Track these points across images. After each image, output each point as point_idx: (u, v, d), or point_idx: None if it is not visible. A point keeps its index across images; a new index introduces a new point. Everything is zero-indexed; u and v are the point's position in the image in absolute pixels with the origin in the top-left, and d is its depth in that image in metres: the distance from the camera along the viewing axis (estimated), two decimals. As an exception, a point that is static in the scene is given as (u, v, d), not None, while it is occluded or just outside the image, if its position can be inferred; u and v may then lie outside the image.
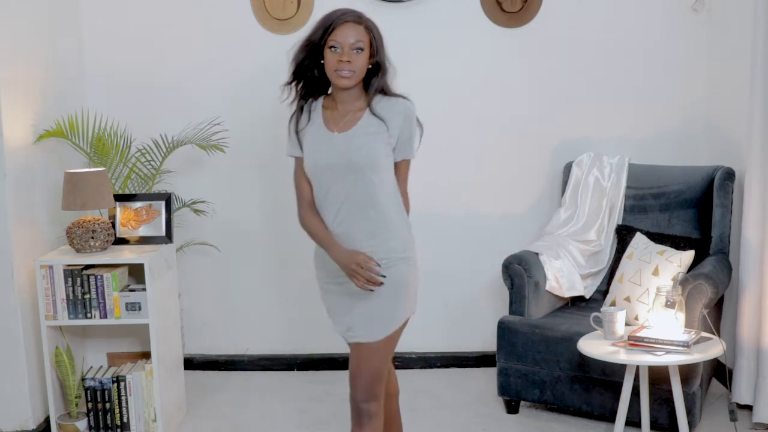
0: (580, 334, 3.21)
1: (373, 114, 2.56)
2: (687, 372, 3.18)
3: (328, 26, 2.51)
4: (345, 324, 2.66)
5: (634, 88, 4.12)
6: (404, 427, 3.38)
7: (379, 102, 2.59)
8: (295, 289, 4.26)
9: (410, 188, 2.71)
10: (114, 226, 3.50)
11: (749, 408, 3.48)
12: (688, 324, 3.15)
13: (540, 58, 4.11)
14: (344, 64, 2.50)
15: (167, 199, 3.56)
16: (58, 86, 3.77)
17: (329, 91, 2.66)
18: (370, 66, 2.57)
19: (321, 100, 2.65)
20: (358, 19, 2.53)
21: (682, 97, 4.11)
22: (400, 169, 2.64)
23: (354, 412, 2.62)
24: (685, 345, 2.94)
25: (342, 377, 4.09)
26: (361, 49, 2.51)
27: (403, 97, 2.62)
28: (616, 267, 3.71)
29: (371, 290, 2.52)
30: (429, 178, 3.89)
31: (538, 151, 4.17)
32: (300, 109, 2.62)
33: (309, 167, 2.59)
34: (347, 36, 2.49)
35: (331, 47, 2.51)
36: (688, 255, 3.46)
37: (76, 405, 3.40)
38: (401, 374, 4.13)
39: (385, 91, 2.61)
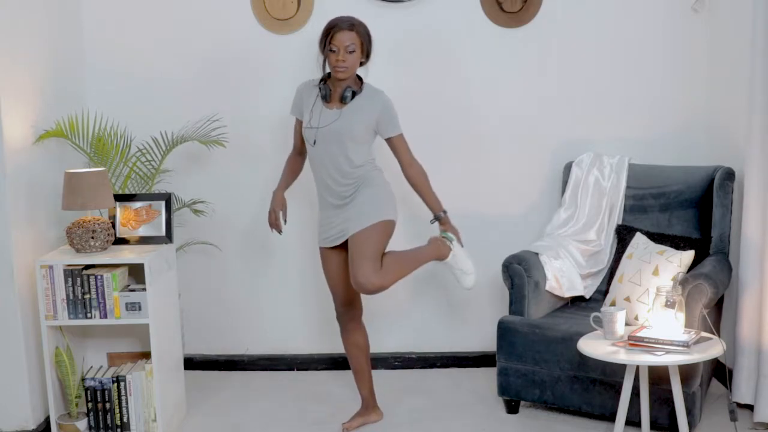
0: (580, 334, 3.21)
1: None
2: (687, 372, 3.18)
3: (328, 32, 3.22)
4: (339, 231, 3.33)
5: (634, 88, 4.12)
6: (404, 427, 3.59)
7: (366, 92, 3.32)
8: (295, 289, 4.27)
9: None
10: (114, 226, 3.50)
11: (749, 407, 3.48)
12: (688, 324, 3.15)
13: (540, 58, 4.11)
14: (340, 62, 3.20)
15: (167, 199, 3.56)
16: (58, 86, 3.77)
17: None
18: (362, 62, 3.29)
19: (316, 84, 3.35)
20: (350, 26, 3.21)
21: (682, 97, 4.11)
22: (395, 144, 3.38)
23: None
24: (685, 345, 2.94)
25: (342, 377, 4.10)
26: (353, 51, 3.21)
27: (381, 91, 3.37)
28: (616, 267, 3.71)
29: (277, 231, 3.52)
30: (429, 179, 3.89)
31: (538, 151, 4.17)
32: (319, 88, 3.32)
33: (309, 129, 3.33)
34: (342, 40, 3.20)
35: (331, 50, 3.20)
36: (688, 255, 3.46)
37: (76, 405, 3.40)
38: (401, 374, 4.15)
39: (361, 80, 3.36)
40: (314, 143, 3.31)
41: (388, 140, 3.39)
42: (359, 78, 3.37)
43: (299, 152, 3.54)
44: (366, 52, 3.29)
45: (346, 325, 3.52)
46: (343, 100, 3.29)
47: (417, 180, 3.44)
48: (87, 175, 3.31)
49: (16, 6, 3.40)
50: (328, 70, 3.33)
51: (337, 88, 3.31)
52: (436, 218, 3.48)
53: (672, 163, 3.99)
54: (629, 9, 4.07)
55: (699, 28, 4.06)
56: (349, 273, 3.25)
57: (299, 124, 3.42)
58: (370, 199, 3.31)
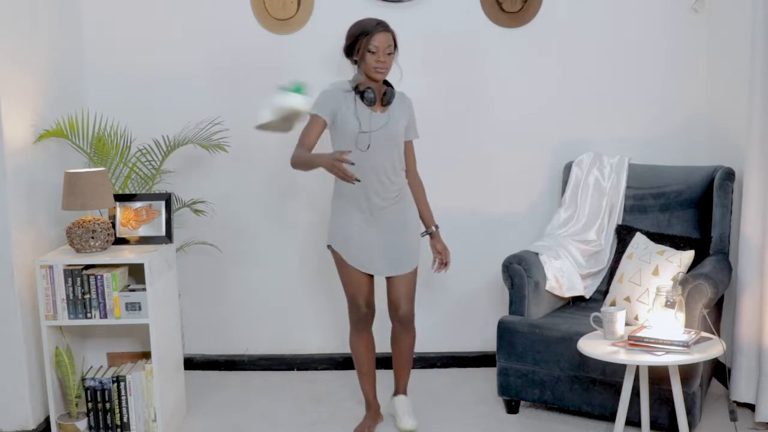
0: (580, 334, 3.21)
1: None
2: (687, 372, 3.18)
3: (364, 34, 3.20)
4: (380, 262, 3.35)
5: (634, 88, 4.12)
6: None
7: (396, 94, 3.35)
8: (295, 289, 4.26)
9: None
10: (114, 226, 3.50)
11: (748, 406, 3.48)
12: (688, 324, 3.15)
13: (540, 58, 4.11)
14: (381, 63, 3.21)
15: (167, 199, 3.56)
16: (58, 86, 3.77)
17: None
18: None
19: (350, 89, 3.29)
20: (387, 28, 3.24)
21: (682, 97, 4.11)
22: (410, 147, 3.44)
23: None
24: (685, 345, 2.94)
25: (342, 377, 4.10)
26: (391, 53, 3.24)
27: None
28: (616, 267, 3.71)
29: (353, 182, 3.12)
30: (429, 178, 3.87)
31: (538, 151, 4.17)
32: (362, 93, 3.27)
33: (362, 134, 3.26)
34: (382, 42, 3.21)
35: (370, 51, 3.19)
36: (688, 255, 3.46)
37: (76, 405, 3.40)
38: (401, 374, 4.14)
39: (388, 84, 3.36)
40: (368, 147, 3.25)
41: (407, 143, 3.41)
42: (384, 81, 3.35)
43: (308, 152, 3.32)
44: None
45: (363, 328, 3.47)
46: (386, 103, 3.30)
47: (419, 188, 3.48)
48: (87, 175, 3.31)
49: (16, 6, 3.40)
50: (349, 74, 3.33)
51: (375, 91, 3.29)
52: (428, 232, 3.49)
53: (672, 163, 4.00)
54: (629, 9, 4.07)
55: (699, 28, 4.06)
56: (394, 301, 3.41)
57: (321, 125, 3.28)
58: (416, 236, 3.43)
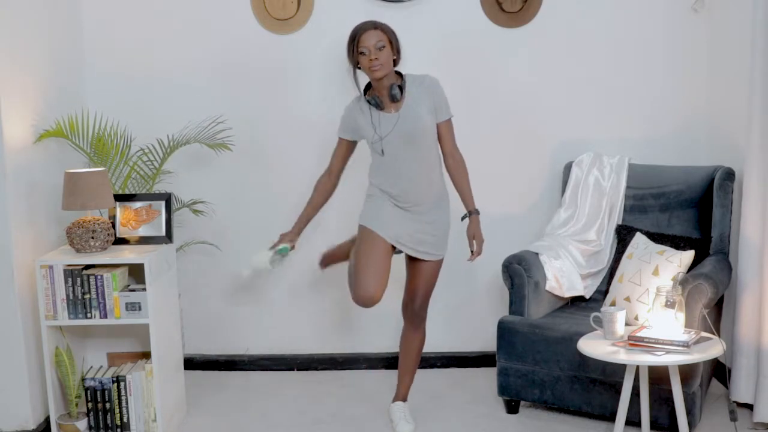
0: (580, 334, 3.21)
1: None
2: (687, 372, 3.18)
3: (354, 38, 3.20)
4: (409, 240, 3.32)
5: (634, 88, 4.12)
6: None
7: (411, 81, 3.28)
8: (295, 290, 4.26)
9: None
10: (114, 226, 3.50)
11: (748, 406, 3.48)
12: (688, 324, 3.15)
13: (540, 58, 4.11)
14: (374, 61, 3.16)
15: (167, 199, 3.56)
16: (58, 86, 3.77)
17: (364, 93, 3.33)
18: (394, 59, 3.24)
19: (362, 98, 3.30)
20: (373, 25, 3.21)
21: (682, 97, 4.11)
22: (445, 128, 3.34)
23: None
24: (685, 345, 2.94)
25: (342, 377, 4.10)
26: (383, 47, 3.18)
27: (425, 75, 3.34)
28: (616, 267, 3.71)
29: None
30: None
31: (538, 151, 4.17)
32: (368, 101, 3.27)
33: (376, 141, 3.26)
34: (369, 39, 3.17)
35: (361, 53, 3.19)
36: (688, 255, 3.46)
37: (76, 405, 3.40)
38: (401, 374, 4.14)
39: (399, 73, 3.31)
40: (383, 153, 3.25)
41: (438, 124, 3.32)
42: (398, 74, 3.30)
43: (335, 176, 3.42)
44: (396, 48, 3.25)
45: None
46: (393, 100, 3.24)
47: (458, 171, 3.40)
48: (87, 175, 3.31)
49: (16, 6, 3.40)
50: (365, 81, 3.32)
51: (383, 91, 3.26)
52: (468, 215, 3.44)
53: (672, 163, 4.00)
54: (629, 9, 4.07)
55: (699, 28, 4.06)
56: (412, 291, 3.44)
57: (345, 146, 3.36)
58: (446, 229, 3.42)
